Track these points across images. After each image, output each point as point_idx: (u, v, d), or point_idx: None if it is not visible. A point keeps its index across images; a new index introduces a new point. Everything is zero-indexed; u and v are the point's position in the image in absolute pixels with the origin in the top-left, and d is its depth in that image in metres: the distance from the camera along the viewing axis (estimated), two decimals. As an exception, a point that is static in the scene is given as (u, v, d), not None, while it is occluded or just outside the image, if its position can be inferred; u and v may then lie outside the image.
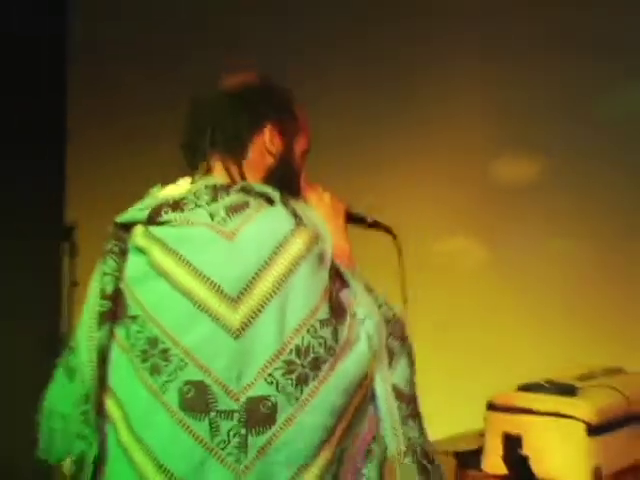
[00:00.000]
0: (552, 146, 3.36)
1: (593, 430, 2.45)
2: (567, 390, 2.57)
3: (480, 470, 2.58)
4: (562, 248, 3.42)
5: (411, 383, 1.81)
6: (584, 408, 2.48)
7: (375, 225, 2.12)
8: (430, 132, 3.36)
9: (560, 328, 3.35)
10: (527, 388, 2.60)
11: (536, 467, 2.47)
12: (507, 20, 3.48)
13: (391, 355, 1.80)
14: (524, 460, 2.49)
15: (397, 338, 1.82)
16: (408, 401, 1.78)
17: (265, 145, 1.83)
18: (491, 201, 3.45)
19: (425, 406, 1.78)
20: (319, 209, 1.95)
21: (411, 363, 1.82)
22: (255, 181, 1.82)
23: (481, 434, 2.64)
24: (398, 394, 1.77)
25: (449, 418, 2.28)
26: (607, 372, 2.84)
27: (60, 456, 1.87)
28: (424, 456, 1.75)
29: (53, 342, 2.99)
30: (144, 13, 4.24)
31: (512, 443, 2.51)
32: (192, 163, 1.84)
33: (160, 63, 3.96)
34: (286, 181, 1.87)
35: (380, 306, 1.83)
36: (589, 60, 3.27)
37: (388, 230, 2.13)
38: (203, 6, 4.06)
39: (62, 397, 1.86)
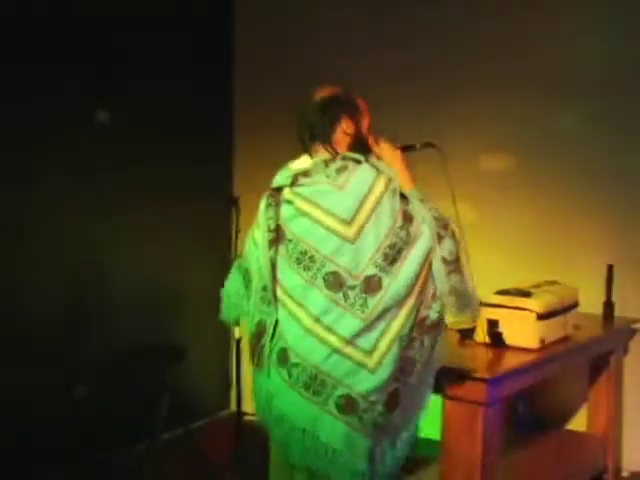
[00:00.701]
0: (519, 147, 4.20)
1: (540, 317, 3.14)
2: (525, 293, 3.23)
3: (473, 340, 3.20)
4: (519, 210, 4.24)
5: (453, 253, 2.39)
6: (535, 304, 3.16)
7: (423, 146, 2.68)
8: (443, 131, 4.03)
9: (520, 258, 4.19)
10: (501, 292, 3.26)
11: (506, 338, 3.15)
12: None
13: (439, 238, 2.39)
14: (500, 334, 3.15)
15: (442, 227, 2.40)
16: (450, 263, 2.38)
17: (343, 130, 2.51)
18: (480, 180, 4.33)
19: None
20: (385, 157, 2.53)
21: (455, 241, 2.40)
22: (344, 152, 2.49)
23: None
24: (444, 260, 2.38)
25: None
26: (549, 283, 3.47)
27: (236, 319, 2.66)
28: (462, 295, 2.40)
29: (225, 264, 3.71)
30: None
31: (492, 324, 3.16)
32: (304, 149, 2.56)
33: (329, 48, 4.56)
34: (361, 146, 2.52)
35: (430, 209, 2.43)
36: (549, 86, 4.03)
37: (432, 144, 2.67)
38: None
39: (237, 289, 2.63)
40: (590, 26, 4.00)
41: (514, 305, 3.18)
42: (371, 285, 2.32)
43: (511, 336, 3.16)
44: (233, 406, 4.82)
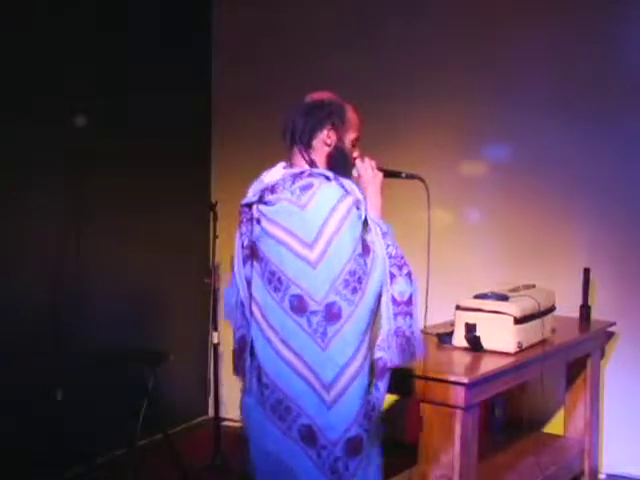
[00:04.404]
0: (499, 153, 4.34)
1: (517, 321, 3.14)
2: (502, 297, 3.23)
3: (451, 344, 3.24)
4: (498, 213, 4.32)
5: (405, 295, 2.32)
6: (512, 308, 3.16)
7: (409, 177, 2.58)
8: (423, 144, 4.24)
9: (498, 263, 4.25)
10: (479, 296, 3.25)
11: (484, 342, 3.14)
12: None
13: (392, 277, 2.33)
14: (477, 338, 3.15)
15: (397, 267, 2.34)
16: (399, 305, 2.32)
17: (324, 139, 2.42)
18: (460, 184, 4.42)
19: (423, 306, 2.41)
20: (365, 176, 2.46)
21: (410, 283, 2.34)
22: (320, 161, 2.41)
23: (452, 323, 3.29)
24: (393, 300, 2.32)
25: (433, 314, 2.58)
26: (526, 287, 3.51)
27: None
28: (407, 339, 2.34)
29: (204, 270, 4.01)
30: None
31: (470, 328, 3.15)
32: (286, 148, 2.47)
33: (300, 60, 4.57)
34: (339, 160, 2.44)
35: (388, 246, 2.35)
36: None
37: (419, 178, 2.57)
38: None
39: (230, 296, 2.57)
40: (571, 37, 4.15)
41: (491, 309, 3.17)
42: (331, 313, 2.25)
43: (489, 340, 3.15)
44: (211, 412, 4.80)
